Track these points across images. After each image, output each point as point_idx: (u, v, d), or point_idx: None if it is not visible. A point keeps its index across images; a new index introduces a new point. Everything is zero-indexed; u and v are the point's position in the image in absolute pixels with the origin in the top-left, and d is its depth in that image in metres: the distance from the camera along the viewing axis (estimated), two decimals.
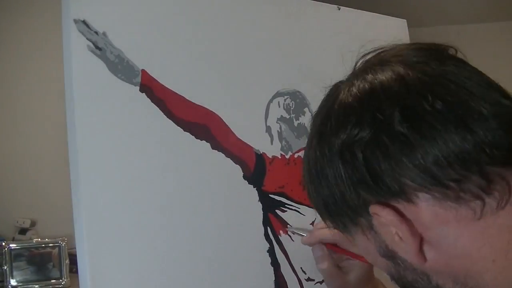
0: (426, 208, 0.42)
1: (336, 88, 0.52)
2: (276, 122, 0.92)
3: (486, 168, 0.40)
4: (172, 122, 0.79)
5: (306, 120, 0.96)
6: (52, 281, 1.62)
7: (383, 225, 0.45)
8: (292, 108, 0.94)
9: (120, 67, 0.75)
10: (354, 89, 0.47)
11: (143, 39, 0.79)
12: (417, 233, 0.43)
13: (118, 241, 0.72)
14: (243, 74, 0.90)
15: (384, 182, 0.43)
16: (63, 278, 1.62)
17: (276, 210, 0.88)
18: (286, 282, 0.87)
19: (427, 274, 0.45)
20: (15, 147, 2.03)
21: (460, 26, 3.22)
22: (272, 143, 0.91)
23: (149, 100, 0.78)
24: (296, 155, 0.93)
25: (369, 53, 0.52)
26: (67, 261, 1.62)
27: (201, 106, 0.83)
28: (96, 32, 0.74)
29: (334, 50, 1.04)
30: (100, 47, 0.74)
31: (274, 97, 0.93)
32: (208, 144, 0.83)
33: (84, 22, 0.73)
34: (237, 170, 0.85)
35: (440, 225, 0.42)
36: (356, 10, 1.10)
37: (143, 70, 0.77)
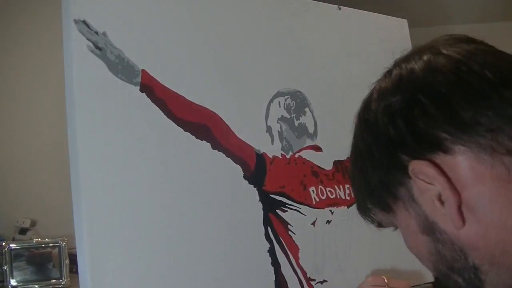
0: (463, 161, 0.43)
1: (375, 83, 0.55)
2: (277, 122, 0.92)
3: None
4: (173, 122, 0.79)
5: (306, 120, 0.96)
6: (52, 281, 1.61)
7: (423, 192, 0.46)
8: (292, 108, 0.94)
9: (120, 67, 0.75)
10: (393, 73, 0.50)
11: (143, 39, 0.79)
12: (455, 189, 0.44)
13: (118, 241, 0.72)
14: (243, 74, 0.90)
15: (422, 139, 0.45)
16: (63, 278, 1.62)
17: (277, 210, 0.88)
18: (286, 282, 0.87)
19: (465, 252, 0.46)
20: (15, 148, 2.03)
21: (460, 26, 3.21)
22: (272, 143, 0.91)
23: (149, 100, 0.77)
24: (296, 155, 0.93)
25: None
26: (67, 261, 1.62)
27: (202, 106, 0.83)
28: (96, 32, 0.74)
29: (335, 49, 1.05)
30: (100, 47, 0.74)
31: (274, 97, 0.92)
32: (209, 144, 0.82)
33: (84, 22, 0.73)
34: (238, 170, 0.85)
35: (476, 183, 0.43)
36: (356, 10, 1.10)
37: (143, 70, 0.77)
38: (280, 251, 0.87)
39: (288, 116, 0.93)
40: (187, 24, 0.84)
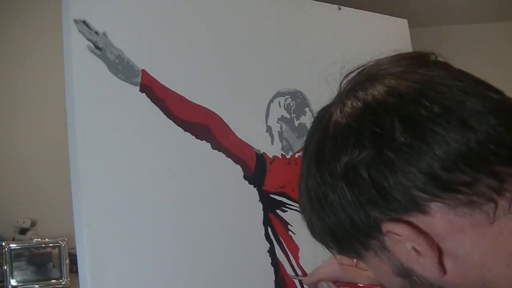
0: (441, 217, 0.41)
1: (325, 112, 0.50)
2: (277, 122, 0.92)
3: (495, 168, 0.40)
4: (172, 122, 0.79)
5: (307, 120, 0.96)
6: (52, 281, 1.62)
7: (397, 243, 0.43)
8: (293, 108, 0.94)
9: (120, 67, 0.75)
10: (347, 109, 0.45)
11: (143, 39, 0.79)
12: (435, 244, 0.42)
13: (118, 241, 0.72)
14: (243, 74, 0.90)
15: (394, 198, 0.41)
16: (63, 278, 1.62)
17: (277, 210, 0.88)
18: (286, 282, 0.87)
19: None
20: (15, 147, 2.03)
21: (460, 26, 3.21)
22: (272, 143, 0.91)
23: (149, 100, 0.77)
24: (297, 155, 0.93)
25: (350, 72, 0.51)
26: (67, 261, 1.62)
27: (202, 106, 0.83)
28: (96, 32, 0.74)
29: (335, 50, 1.04)
30: (100, 47, 0.74)
31: (274, 96, 0.92)
32: (209, 144, 0.82)
33: (84, 22, 0.73)
34: (238, 170, 0.85)
35: (456, 234, 0.42)
36: (357, 10, 1.10)
37: (143, 70, 0.77)
38: (280, 251, 0.87)
39: (288, 116, 0.93)
40: (187, 24, 0.84)
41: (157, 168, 0.77)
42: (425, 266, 0.43)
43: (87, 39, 0.73)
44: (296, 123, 0.94)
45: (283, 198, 0.89)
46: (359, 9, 1.11)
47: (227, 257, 0.82)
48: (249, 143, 0.87)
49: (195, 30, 0.85)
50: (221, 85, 0.86)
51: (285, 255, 0.87)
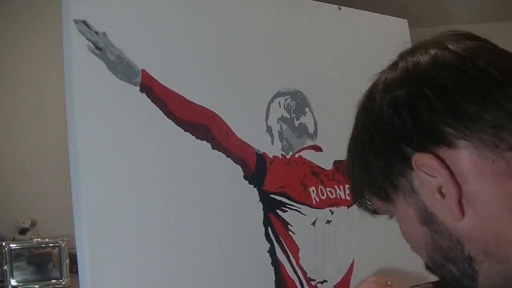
0: (465, 155, 0.45)
1: (379, 74, 0.55)
2: (277, 122, 0.92)
3: None
4: (172, 122, 0.79)
5: (307, 120, 0.95)
6: (52, 281, 1.61)
7: (424, 183, 0.46)
8: (293, 108, 0.94)
9: (121, 67, 0.75)
10: (399, 65, 0.51)
11: (143, 39, 0.79)
12: (457, 182, 0.45)
13: (118, 241, 0.72)
14: (243, 74, 0.90)
15: (426, 132, 0.46)
16: (63, 278, 1.62)
17: (277, 210, 0.88)
18: (286, 282, 0.87)
19: (461, 243, 0.47)
20: (15, 148, 2.03)
21: (460, 26, 3.21)
22: (272, 143, 0.90)
23: (149, 100, 0.77)
24: (297, 155, 0.93)
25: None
26: (67, 261, 1.62)
27: (202, 106, 0.83)
28: (96, 32, 0.74)
29: (335, 49, 1.04)
30: (100, 47, 0.74)
31: (275, 97, 0.92)
32: (209, 144, 0.82)
33: (84, 22, 0.73)
34: (238, 170, 0.85)
35: (477, 177, 0.45)
36: (357, 10, 1.10)
37: (143, 70, 0.77)
38: (280, 251, 0.87)
39: (288, 116, 0.93)
40: (187, 24, 0.84)
41: (157, 168, 0.77)
42: (446, 208, 0.46)
43: (87, 39, 0.73)
44: (296, 123, 0.94)
45: (283, 198, 0.89)
46: (359, 9, 1.11)
47: (227, 257, 0.82)
48: (249, 143, 0.87)
49: (195, 30, 0.85)
50: (221, 85, 0.86)
51: (285, 255, 0.87)
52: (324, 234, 0.93)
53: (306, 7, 1.01)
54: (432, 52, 0.49)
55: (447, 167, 0.45)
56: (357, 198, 0.57)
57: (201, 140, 0.82)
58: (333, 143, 0.97)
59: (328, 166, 0.97)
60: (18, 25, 2.08)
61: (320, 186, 0.94)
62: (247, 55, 0.91)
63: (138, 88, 0.77)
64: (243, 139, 0.86)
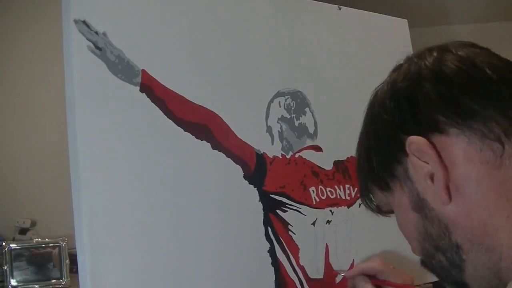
0: (456, 142, 0.48)
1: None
2: (277, 122, 0.92)
3: (509, 111, 0.47)
4: (172, 122, 0.79)
5: (307, 120, 0.96)
6: (52, 281, 1.62)
7: (417, 168, 0.50)
8: (293, 108, 0.94)
9: (120, 67, 0.75)
10: (402, 69, 0.55)
11: (143, 39, 0.79)
12: (445, 166, 0.48)
13: (118, 241, 0.72)
14: (243, 74, 0.90)
15: (421, 119, 0.50)
16: (63, 278, 1.62)
17: (277, 210, 0.88)
18: (286, 282, 0.87)
19: (449, 229, 0.49)
20: (15, 148, 2.03)
21: (460, 26, 3.21)
22: (272, 143, 0.91)
23: (149, 100, 0.77)
24: (297, 155, 0.93)
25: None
26: (67, 261, 1.62)
27: (202, 106, 0.83)
28: (96, 32, 0.74)
29: (335, 50, 1.05)
30: (100, 47, 0.74)
31: (275, 97, 0.92)
32: (209, 144, 0.82)
33: (84, 22, 0.73)
34: (238, 170, 0.85)
35: (465, 163, 0.47)
36: (357, 10, 1.10)
37: (143, 70, 0.77)
38: (281, 251, 0.87)
39: (288, 116, 0.93)
40: (187, 24, 0.84)
41: (157, 168, 0.77)
42: (436, 194, 0.49)
43: (87, 39, 0.73)
44: (296, 123, 0.94)
45: (283, 198, 0.89)
46: (359, 9, 1.11)
47: (227, 257, 0.82)
48: (249, 143, 0.87)
49: (195, 30, 0.85)
50: (221, 85, 0.86)
51: (285, 255, 0.87)
52: (324, 234, 0.93)
53: (306, 7, 1.01)
54: (435, 54, 0.53)
55: (437, 151, 0.48)
56: (363, 192, 0.61)
57: (201, 140, 0.82)
58: (333, 143, 0.97)
59: (328, 166, 0.97)
60: (18, 25, 2.08)
61: (320, 186, 0.94)
62: (247, 55, 0.91)
63: (138, 88, 0.77)
64: (243, 139, 0.86)
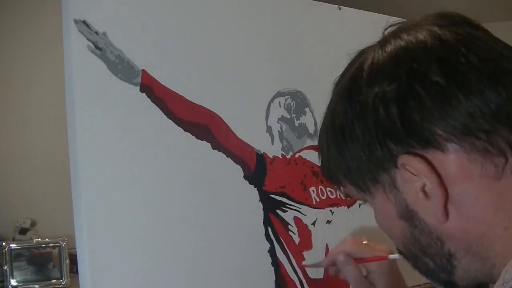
0: (454, 159, 0.43)
1: (362, 53, 0.53)
2: (277, 122, 0.92)
3: None
4: (172, 122, 0.79)
5: (307, 120, 0.95)
6: (52, 281, 1.62)
7: (408, 182, 0.45)
8: (293, 108, 0.94)
9: (120, 67, 0.75)
10: (389, 47, 0.48)
11: (143, 39, 0.79)
12: (444, 186, 0.44)
13: (118, 241, 0.72)
14: (243, 74, 0.90)
15: (415, 132, 0.43)
16: (63, 278, 1.62)
17: (277, 210, 0.88)
18: (286, 282, 0.87)
19: (442, 240, 0.46)
20: (15, 147, 2.03)
21: None
22: (272, 143, 0.91)
23: (149, 100, 0.77)
24: (297, 155, 0.93)
25: (394, 24, 0.54)
26: (67, 261, 1.62)
27: (202, 106, 0.83)
28: (96, 32, 0.74)
29: (335, 50, 1.04)
30: (100, 47, 0.74)
31: (275, 97, 0.92)
32: (209, 144, 0.82)
33: (84, 22, 0.73)
34: (238, 170, 0.85)
35: (465, 180, 0.43)
36: (357, 10, 1.10)
37: (143, 70, 0.77)
38: (281, 251, 0.87)
39: (288, 116, 0.93)
40: (187, 24, 0.84)
41: (157, 168, 0.77)
42: (429, 210, 0.45)
43: (87, 39, 0.73)
44: (296, 123, 0.94)
45: (283, 198, 0.89)
46: (359, 9, 1.11)
47: (227, 257, 0.82)
48: (249, 143, 0.87)
49: (195, 30, 0.85)
50: (221, 85, 0.86)
51: (285, 255, 0.88)
52: (324, 234, 0.93)
53: (306, 7, 1.01)
54: (422, 37, 0.46)
55: (436, 172, 0.43)
56: (330, 179, 0.54)
57: (201, 140, 0.82)
58: None
59: None
60: (18, 25, 2.08)
61: (320, 186, 0.94)
62: (247, 55, 0.91)
63: (138, 88, 0.77)
64: (243, 139, 0.86)
